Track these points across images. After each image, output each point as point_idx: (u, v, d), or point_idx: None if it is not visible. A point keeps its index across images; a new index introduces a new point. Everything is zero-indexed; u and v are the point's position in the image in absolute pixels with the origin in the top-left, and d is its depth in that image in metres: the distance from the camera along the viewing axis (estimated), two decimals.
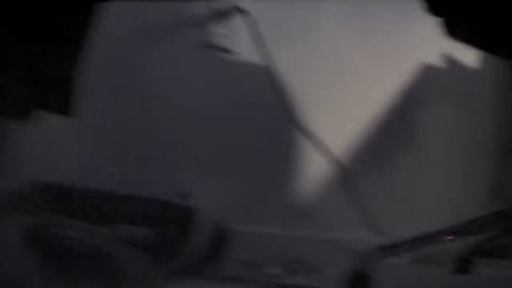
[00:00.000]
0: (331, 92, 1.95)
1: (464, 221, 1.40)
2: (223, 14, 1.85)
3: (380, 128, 2.01)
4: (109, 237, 1.04)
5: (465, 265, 1.65)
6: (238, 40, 1.87)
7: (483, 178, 2.08)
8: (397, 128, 2.04)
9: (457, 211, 1.41)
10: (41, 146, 1.72)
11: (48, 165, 1.67)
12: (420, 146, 2.05)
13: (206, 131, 1.87)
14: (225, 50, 1.84)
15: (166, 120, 1.84)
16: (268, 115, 1.91)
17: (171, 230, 1.42)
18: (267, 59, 1.86)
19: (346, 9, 1.96)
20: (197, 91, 1.87)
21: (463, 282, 1.49)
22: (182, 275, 1.38)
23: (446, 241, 1.40)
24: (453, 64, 2.06)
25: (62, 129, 1.62)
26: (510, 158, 2.00)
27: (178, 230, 1.43)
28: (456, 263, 1.65)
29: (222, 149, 1.88)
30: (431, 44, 1.93)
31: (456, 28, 1.17)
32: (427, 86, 2.05)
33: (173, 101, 1.85)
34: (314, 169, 1.96)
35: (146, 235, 1.02)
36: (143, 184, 1.57)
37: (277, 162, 1.94)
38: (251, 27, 1.85)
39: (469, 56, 2.04)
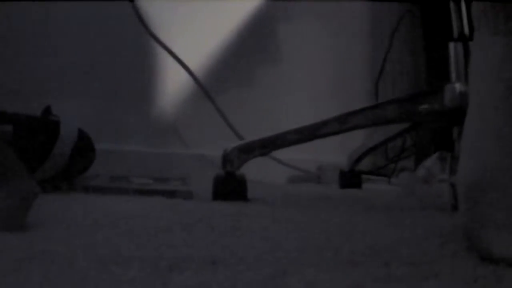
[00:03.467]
0: (189, 7, 1.96)
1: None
2: None
3: (239, 43, 2.04)
4: None
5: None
6: None
7: (346, 91, 2.15)
8: (258, 43, 2.07)
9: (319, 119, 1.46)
10: None
11: None
12: (282, 61, 2.09)
13: (64, 48, 1.85)
14: None
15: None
16: (127, 32, 1.90)
17: (35, 143, 1.40)
18: None
19: None
20: None
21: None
22: (48, 187, 1.38)
23: (308, 140, 1.45)
24: None
25: None
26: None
27: (41, 143, 1.42)
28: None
29: (81, 67, 1.86)
30: None
31: None
32: (293, 3, 2.08)
33: None
34: (174, 87, 1.97)
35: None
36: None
37: (139, 80, 1.94)
38: None
39: None
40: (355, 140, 1.82)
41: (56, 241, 0.83)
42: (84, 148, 1.48)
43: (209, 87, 1.96)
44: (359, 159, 1.75)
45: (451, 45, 1.44)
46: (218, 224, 1.01)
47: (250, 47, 2.04)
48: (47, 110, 1.48)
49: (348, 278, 0.66)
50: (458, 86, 1.40)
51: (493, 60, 0.82)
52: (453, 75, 1.43)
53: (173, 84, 1.96)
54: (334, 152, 1.90)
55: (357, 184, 1.75)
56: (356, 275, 0.67)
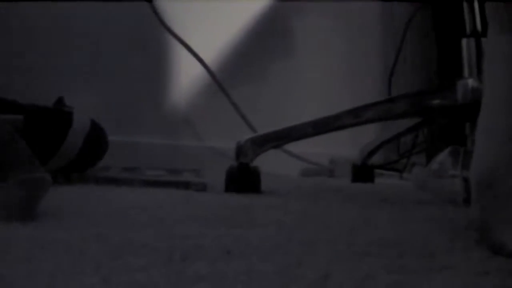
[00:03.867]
0: (205, 2, 1.96)
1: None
2: None
3: (253, 37, 2.04)
4: None
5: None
6: None
7: (359, 86, 2.15)
8: (272, 37, 2.07)
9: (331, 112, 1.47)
10: None
11: None
12: (296, 55, 2.09)
13: (80, 40, 1.85)
14: None
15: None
16: (141, 24, 1.91)
17: (47, 134, 1.41)
18: None
19: None
20: None
21: None
22: (60, 178, 1.39)
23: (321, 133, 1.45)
24: None
25: None
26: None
27: (54, 133, 1.42)
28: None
29: (96, 59, 1.86)
30: None
31: None
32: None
33: None
34: (188, 80, 1.98)
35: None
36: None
37: (154, 72, 1.95)
38: None
39: None
40: (368, 134, 1.82)
41: (68, 231, 0.83)
42: (96, 139, 1.49)
43: (223, 81, 1.96)
44: (371, 153, 1.75)
45: (464, 41, 1.44)
46: (232, 216, 1.01)
47: (264, 42, 2.04)
48: (60, 101, 1.48)
49: (362, 269, 0.66)
50: (470, 82, 1.40)
51: (506, 57, 0.82)
52: (466, 71, 1.43)
53: (187, 77, 1.96)
54: (346, 145, 1.90)
55: (370, 178, 1.75)
56: (369, 266, 0.68)
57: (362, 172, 1.75)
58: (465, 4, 1.45)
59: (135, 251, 0.72)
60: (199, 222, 0.95)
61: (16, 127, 1.25)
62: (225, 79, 1.96)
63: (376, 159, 1.83)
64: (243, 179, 1.38)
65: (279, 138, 1.45)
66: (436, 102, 1.44)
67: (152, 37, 1.92)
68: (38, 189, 0.95)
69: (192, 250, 0.73)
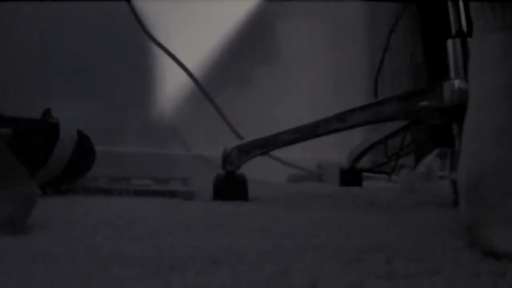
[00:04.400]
0: (187, 8, 1.96)
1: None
2: None
3: (237, 43, 2.04)
4: None
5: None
6: None
7: (345, 89, 2.15)
8: (256, 42, 2.07)
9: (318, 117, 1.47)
10: None
11: None
12: (281, 60, 2.09)
13: (63, 51, 1.85)
14: None
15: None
16: (126, 34, 1.90)
17: (35, 146, 1.40)
18: None
19: None
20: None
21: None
22: (48, 189, 1.38)
23: (307, 138, 1.45)
24: None
25: None
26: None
27: (41, 145, 1.42)
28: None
29: (81, 69, 1.86)
30: None
31: None
32: (291, 3, 2.08)
33: None
34: (173, 88, 1.97)
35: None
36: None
37: (138, 81, 1.94)
38: None
39: None
40: (355, 137, 1.82)
41: (57, 243, 0.83)
42: (84, 150, 1.49)
43: (208, 88, 1.96)
44: (359, 157, 1.75)
45: (450, 42, 1.44)
46: (219, 224, 1.01)
47: (249, 47, 2.04)
48: (47, 113, 1.48)
49: (350, 275, 0.66)
50: (457, 83, 1.40)
51: (491, 57, 0.82)
52: (452, 72, 1.43)
53: (172, 85, 1.96)
54: (334, 150, 1.90)
55: (358, 182, 1.75)
56: (358, 272, 0.67)
57: (350, 176, 1.75)
58: (450, 4, 1.45)
59: (123, 263, 0.72)
60: (187, 231, 0.95)
61: (4, 140, 1.25)
62: (210, 86, 1.96)
63: (364, 162, 1.83)
64: (230, 187, 1.39)
65: (265, 145, 1.45)
66: (422, 104, 1.45)
67: (137, 47, 1.92)
68: (27, 202, 0.94)
69: (180, 260, 0.72)
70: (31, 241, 0.85)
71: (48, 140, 1.43)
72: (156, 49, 1.92)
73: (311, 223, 1.05)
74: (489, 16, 0.83)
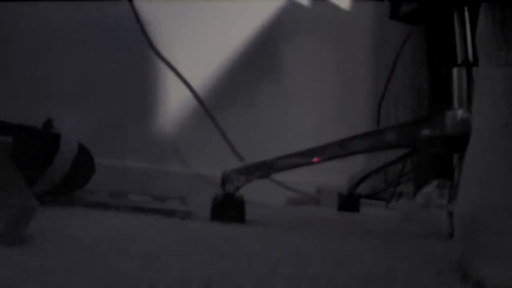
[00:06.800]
0: (193, 25, 1.96)
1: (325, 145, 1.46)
2: None
3: (242, 62, 2.04)
4: None
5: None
6: None
7: (349, 113, 2.15)
8: (261, 62, 2.07)
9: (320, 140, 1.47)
10: None
11: None
12: (284, 81, 2.10)
13: (66, 64, 1.85)
14: None
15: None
16: (130, 47, 1.91)
17: (35, 155, 1.40)
18: None
19: None
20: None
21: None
22: (46, 200, 1.38)
23: (306, 163, 1.45)
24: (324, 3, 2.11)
25: None
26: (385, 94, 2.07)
27: (41, 155, 1.42)
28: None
29: (83, 82, 1.86)
30: None
31: None
32: (294, 22, 2.09)
33: None
34: (175, 104, 1.98)
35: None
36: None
37: (141, 96, 1.95)
38: None
39: None
40: (355, 163, 1.82)
41: (53, 257, 0.83)
42: (84, 162, 1.49)
43: (210, 105, 1.96)
44: (358, 183, 1.75)
45: (455, 70, 1.44)
46: (215, 246, 1.01)
47: (253, 66, 2.05)
48: (48, 123, 1.48)
49: None
50: (459, 113, 1.40)
51: (494, 91, 0.83)
52: (455, 101, 1.43)
53: (174, 101, 1.96)
54: (333, 175, 1.90)
55: (355, 208, 1.75)
56: None
57: (348, 201, 1.75)
58: (456, 32, 1.45)
59: (117, 282, 0.72)
60: (182, 253, 0.95)
61: (4, 149, 1.24)
62: (213, 104, 1.96)
63: (363, 187, 1.83)
64: (227, 208, 1.39)
65: (264, 169, 1.45)
66: (424, 132, 1.44)
67: (141, 61, 1.92)
68: (24, 215, 0.94)
69: (174, 283, 0.72)
70: (27, 254, 0.85)
71: (48, 150, 1.43)
72: (160, 65, 1.92)
73: (306, 249, 1.05)
74: (494, 50, 0.83)
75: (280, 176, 1.82)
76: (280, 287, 0.75)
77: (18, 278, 0.71)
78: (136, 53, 1.90)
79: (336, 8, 2.17)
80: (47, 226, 1.06)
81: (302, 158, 1.44)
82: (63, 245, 0.95)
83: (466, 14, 1.44)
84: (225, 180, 1.41)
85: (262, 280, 0.78)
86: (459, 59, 1.45)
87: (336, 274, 0.82)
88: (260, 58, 2.07)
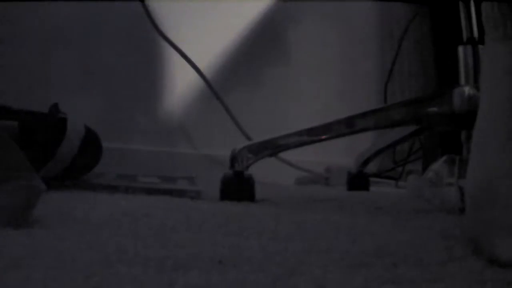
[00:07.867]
0: (200, 7, 1.96)
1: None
2: None
3: (249, 44, 2.04)
4: None
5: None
6: None
7: (355, 93, 2.14)
8: (268, 44, 2.07)
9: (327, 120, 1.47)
10: None
11: None
12: (291, 62, 2.09)
13: (73, 46, 1.85)
14: None
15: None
16: (136, 31, 1.90)
17: (41, 140, 1.40)
18: None
19: None
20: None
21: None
22: (54, 184, 1.38)
23: (314, 141, 1.45)
24: None
25: None
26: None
27: (48, 140, 1.41)
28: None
29: (90, 65, 1.86)
30: None
31: None
32: (301, 2, 2.08)
33: None
34: (183, 86, 1.97)
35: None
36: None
37: (148, 78, 1.94)
38: None
39: None
40: (363, 142, 1.81)
41: (60, 239, 0.83)
42: (91, 146, 1.48)
43: (218, 87, 1.95)
44: (366, 161, 1.75)
45: (461, 48, 1.43)
46: (225, 224, 1.00)
47: (260, 48, 2.04)
48: (55, 107, 1.47)
49: (356, 279, 0.66)
50: (467, 90, 1.40)
51: (501, 66, 0.82)
52: (462, 78, 1.43)
53: (182, 83, 1.96)
54: (342, 154, 1.89)
55: (365, 186, 1.75)
56: (364, 276, 0.67)
57: (358, 180, 1.74)
58: (461, 10, 1.44)
59: (127, 260, 0.72)
60: (193, 231, 0.94)
61: (10, 133, 1.24)
62: (220, 86, 1.96)
63: (371, 167, 1.83)
64: (237, 187, 1.38)
65: (274, 146, 1.45)
66: (432, 110, 1.44)
67: (147, 43, 1.92)
68: (31, 197, 0.94)
69: (185, 259, 0.72)
70: (34, 235, 0.84)
71: (55, 135, 1.42)
72: (167, 47, 1.92)
73: (317, 226, 1.04)
74: (500, 24, 0.82)
75: (289, 156, 1.82)
76: (293, 262, 0.74)
77: (27, 258, 0.71)
78: (143, 36, 1.90)
79: None
80: (55, 208, 1.05)
81: (310, 136, 1.44)
82: (71, 226, 0.95)
83: None
84: (234, 158, 1.40)
85: (273, 255, 0.77)
86: (465, 37, 1.44)
87: (348, 249, 0.82)
88: (266, 39, 2.06)
